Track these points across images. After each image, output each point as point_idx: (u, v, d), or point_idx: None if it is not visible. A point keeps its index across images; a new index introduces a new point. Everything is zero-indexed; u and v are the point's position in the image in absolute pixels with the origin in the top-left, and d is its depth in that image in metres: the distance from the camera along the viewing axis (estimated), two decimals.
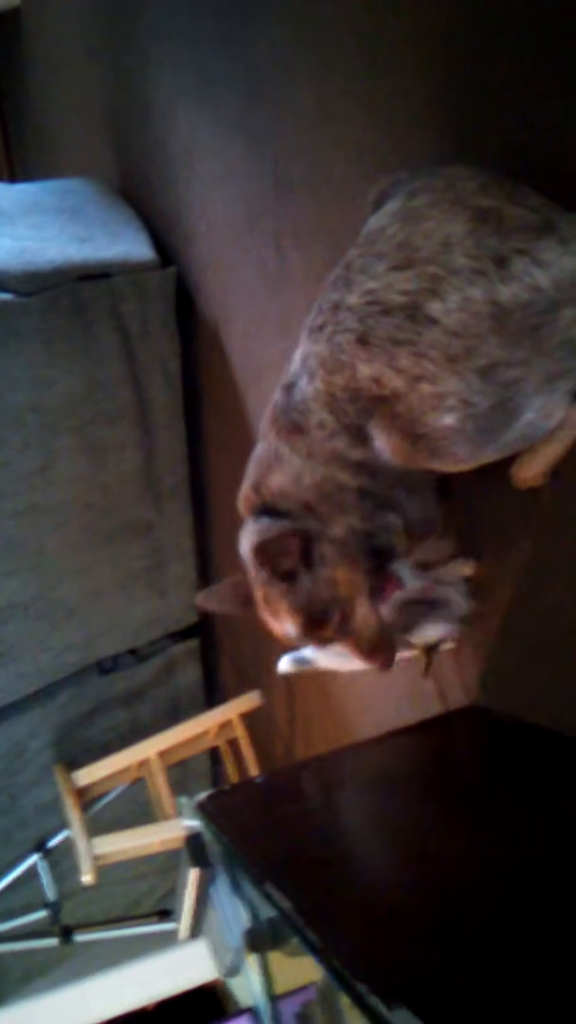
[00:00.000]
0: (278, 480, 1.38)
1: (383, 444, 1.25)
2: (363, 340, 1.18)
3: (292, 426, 1.33)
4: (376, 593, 1.44)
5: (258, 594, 1.41)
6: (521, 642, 1.50)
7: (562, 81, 1.19)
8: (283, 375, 1.36)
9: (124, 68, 3.06)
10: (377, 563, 1.44)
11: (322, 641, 1.43)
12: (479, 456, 1.24)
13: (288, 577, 1.37)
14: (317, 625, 1.38)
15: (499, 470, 1.38)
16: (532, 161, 1.25)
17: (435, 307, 1.11)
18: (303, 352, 1.30)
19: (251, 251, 2.25)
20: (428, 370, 1.14)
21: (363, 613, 1.40)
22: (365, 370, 1.19)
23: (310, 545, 1.37)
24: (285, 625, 1.40)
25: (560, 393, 1.16)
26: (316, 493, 1.37)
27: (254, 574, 1.40)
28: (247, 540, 1.42)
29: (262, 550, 1.36)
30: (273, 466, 1.39)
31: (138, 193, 3.06)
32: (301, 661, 1.62)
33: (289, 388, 1.33)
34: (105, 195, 3.06)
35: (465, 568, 1.57)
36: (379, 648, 1.42)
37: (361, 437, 1.28)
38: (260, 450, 1.41)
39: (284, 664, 1.65)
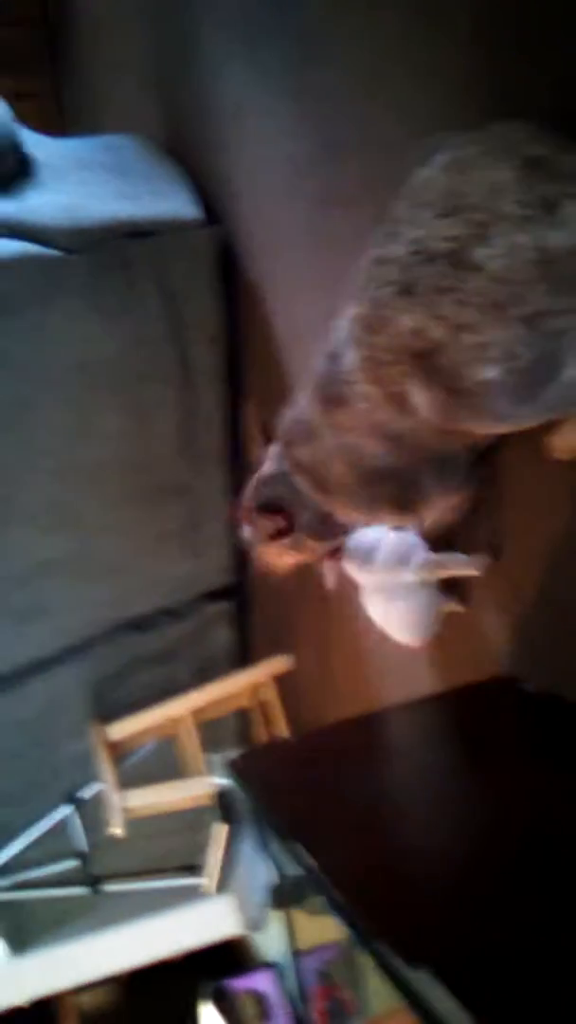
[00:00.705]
0: (305, 454, 1.46)
1: (422, 400, 1.23)
2: (406, 291, 1.16)
3: (336, 398, 1.33)
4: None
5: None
6: (553, 613, 1.49)
7: None
8: (328, 341, 1.35)
9: (172, 26, 3.03)
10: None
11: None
12: (518, 415, 1.22)
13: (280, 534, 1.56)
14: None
15: (534, 441, 1.37)
16: None
17: (481, 253, 1.08)
18: (347, 317, 1.28)
19: (298, 212, 2.23)
20: (472, 318, 1.11)
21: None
22: (407, 322, 1.17)
23: (292, 524, 1.54)
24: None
25: None
26: (336, 480, 1.45)
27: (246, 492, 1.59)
28: (267, 463, 1.56)
29: (253, 514, 1.54)
30: (307, 439, 1.41)
31: (185, 151, 3.04)
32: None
33: (333, 358, 1.32)
34: (152, 153, 3.04)
35: (471, 567, 1.65)
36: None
37: (403, 405, 1.27)
38: (301, 407, 1.42)
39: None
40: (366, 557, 1.73)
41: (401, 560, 1.70)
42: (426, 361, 1.18)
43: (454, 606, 1.76)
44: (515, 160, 1.08)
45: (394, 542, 1.72)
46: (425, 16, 1.58)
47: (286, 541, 1.56)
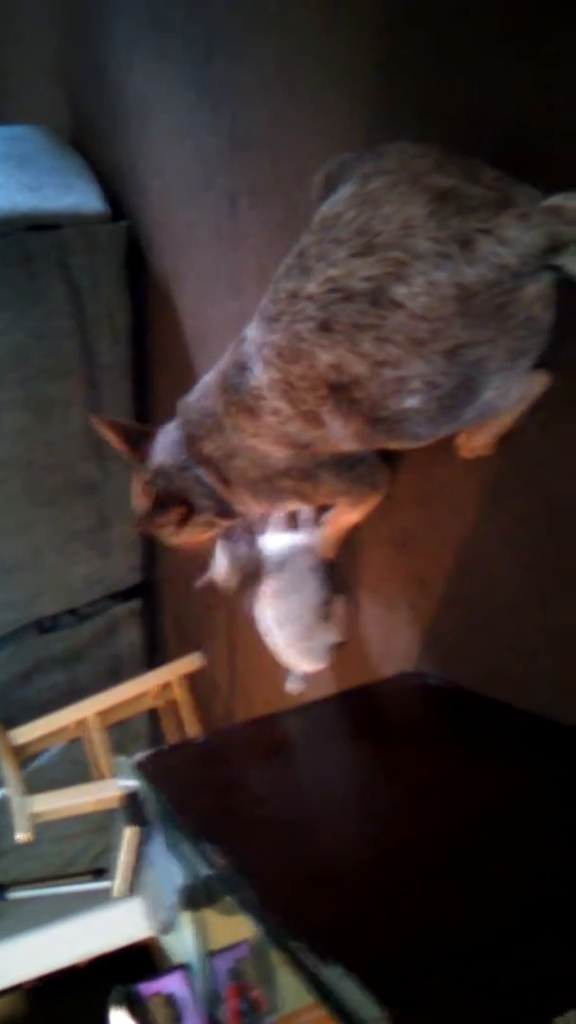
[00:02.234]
0: (209, 448, 1.45)
1: (340, 428, 1.25)
2: (325, 327, 1.17)
3: (244, 408, 1.33)
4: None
5: (136, 474, 1.61)
6: (461, 610, 1.52)
7: (525, 45, 1.18)
8: (236, 349, 1.35)
9: (78, 13, 2.98)
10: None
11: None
12: (437, 434, 1.24)
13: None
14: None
15: (445, 439, 1.39)
16: (489, 126, 1.25)
17: (400, 291, 1.10)
18: (258, 339, 1.29)
19: (205, 208, 2.22)
20: (392, 354, 1.13)
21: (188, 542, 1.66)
22: (325, 357, 1.18)
23: (190, 516, 1.56)
24: (137, 507, 1.63)
25: (519, 370, 1.16)
26: (238, 475, 1.46)
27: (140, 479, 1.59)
28: (163, 452, 1.55)
29: (153, 504, 1.55)
30: (212, 433, 1.41)
31: (90, 143, 2.99)
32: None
33: (242, 369, 1.32)
34: (56, 144, 2.99)
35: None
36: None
37: (316, 422, 1.28)
38: (208, 400, 1.42)
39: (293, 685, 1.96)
40: (275, 567, 1.82)
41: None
42: (344, 393, 1.19)
43: (336, 636, 1.88)
44: (425, 194, 1.09)
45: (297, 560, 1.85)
46: (334, 11, 1.58)
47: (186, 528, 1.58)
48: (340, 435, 1.27)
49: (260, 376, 1.29)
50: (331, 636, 1.84)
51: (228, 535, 1.86)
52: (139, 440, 1.59)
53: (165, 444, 1.53)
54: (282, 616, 1.84)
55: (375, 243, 1.11)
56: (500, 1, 1.22)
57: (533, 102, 1.19)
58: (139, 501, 1.60)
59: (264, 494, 1.47)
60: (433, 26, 1.35)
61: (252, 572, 1.84)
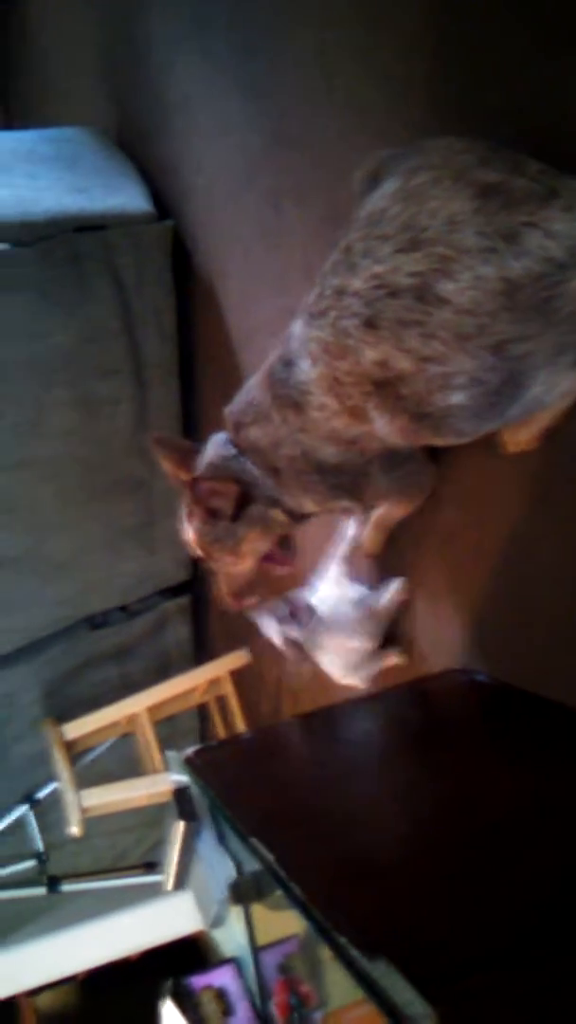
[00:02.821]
0: (257, 435, 1.43)
1: (385, 424, 1.25)
2: (370, 324, 1.17)
3: (290, 403, 1.34)
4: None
5: (186, 495, 1.55)
6: (508, 607, 1.51)
7: (564, 40, 1.17)
8: (282, 344, 1.35)
9: (122, 16, 3.00)
10: (289, 533, 1.59)
11: (204, 560, 1.60)
12: (481, 430, 1.24)
13: (212, 513, 1.51)
14: (206, 556, 1.57)
15: (489, 435, 1.38)
16: (531, 121, 1.24)
17: (446, 287, 1.10)
18: (303, 335, 1.29)
19: (249, 207, 2.22)
20: (437, 350, 1.13)
21: (244, 568, 1.58)
22: (371, 354, 1.18)
23: (246, 504, 1.49)
24: (187, 534, 1.57)
25: (563, 366, 1.15)
26: (288, 464, 1.43)
27: (192, 484, 1.52)
28: (212, 452, 1.52)
29: (204, 488, 1.47)
30: (259, 421, 1.41)
31: (135, 144, 3.01)
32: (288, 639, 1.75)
33: (288, 364, 1.33)
34: (102, 145, 3.01)
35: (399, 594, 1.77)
36: (234, 594, 1.64)
37: (362, 418, 1.28)
38: (254, 393, 1.42)
39: (269, 629, 1.78)
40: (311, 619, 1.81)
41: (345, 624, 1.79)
42: (389, 389, 1.19)
43: (395, 659, 1.83)
44: (470, 189, 1.08)
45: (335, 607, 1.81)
46: (373, 9, 1.58)
47: (222, 528, 1.52)
48: (386, 431, 1.27)
49: (307, 371, 1.29)
50: (380, 663, 1.85)
51: (277, 615, 1.82)
52: (186, 457, 1.57)
53: (213, 446, 1.53)
54: (331, 660, 1.84)
55: (421, 238, 1.11)
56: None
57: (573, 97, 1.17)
58: (188, 522, 1.57)
59: (314, 488, 1.46)
60: (476, 22, 1.35)
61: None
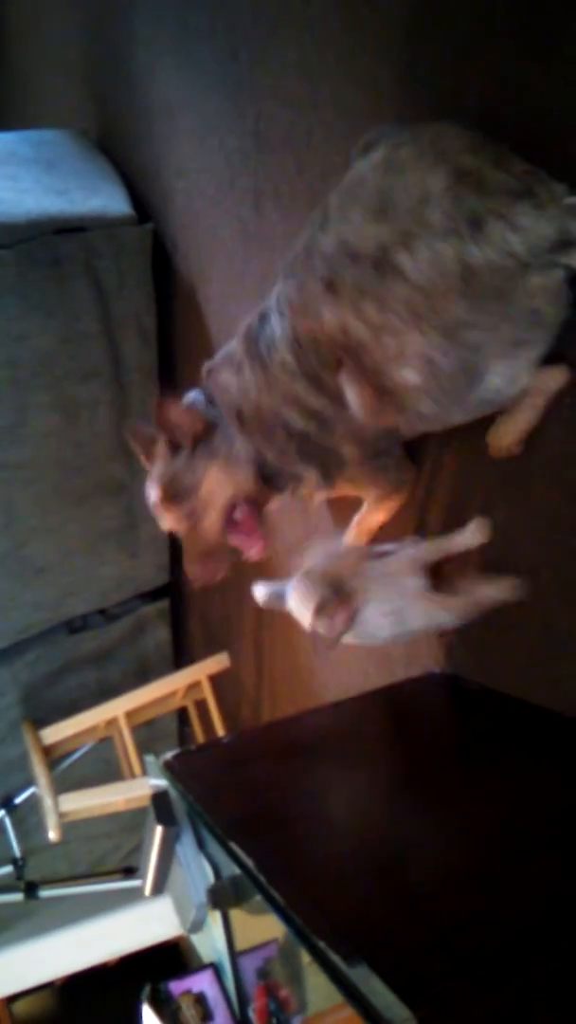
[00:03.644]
0: (227, 380, 1.44)
1: (353, 397, 1.25)
2: (331, 287, 1.18)
3: (258, 356, 1.35)
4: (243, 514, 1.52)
5: (154, 447, 1.54)
6: (489, 611, 1.51)
7: (543, 44, 1.18)
8: (264, 300, 1.37)
9: (104, 19, 3.00)
10: (257, 497, 1.52)
11: (170, 520, 1.54)
12: (446, 417, 1.24)
13: (173, 447, 1.49)
14: (169, 501, 1.51)
15: (474, 439, 1.38)
16: (510, 123, 1.24)
17: (403, 260, 1.10)
18: (278, 290, 1.31)
19: (230, 209, 2.22)
20: (391, 323, 1.14)
21: (209, 522, 1.51)
22: (331, 318, 1.19)
23: (208, 436, 1.46)
24: (149, 488, 1.54)
25: (523, 360, 1.16)
26: (254, 412, 1.42)
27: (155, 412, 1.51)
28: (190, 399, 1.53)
29: (166, 412, 1.47)
30: (232, 367, 1.43)
31: (116, 146, 3.01)
32: (277, 596, 1.60)
33: (263, 319, 1.35)
34: (83, 148, 3.01)
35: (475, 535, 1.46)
36: (201, 559, 1.55)
37: (319, 386, 1.28)
38: (232, 345, 1.45)
39: (259, 592, 1.64)
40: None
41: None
42: (355, 357, 1.20)
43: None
44: (447, 168, 1.09)
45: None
46: (354, 11, 1.58)
47: (181, 461, 1.48)
48: (355, 406, 1.27)
49: (275, 326, 1.31)
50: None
51: (318, 600, 1.44)
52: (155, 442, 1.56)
53: (184, 399, 1.54)
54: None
55: (390, 209, 1.12)
56: (521, 2, 1.21)
57: (553, 101, 1.18)
58: (151, 468, 1.55)
59: (278, 443, 1.43)
60: (455, 26, 1.35)
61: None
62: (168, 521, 1.55)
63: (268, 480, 1.50)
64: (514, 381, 1.18)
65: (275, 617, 2.40)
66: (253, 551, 1.55)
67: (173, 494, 1.51)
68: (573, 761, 1.23)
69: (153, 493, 1.54)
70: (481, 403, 1.21)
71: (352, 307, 1.16)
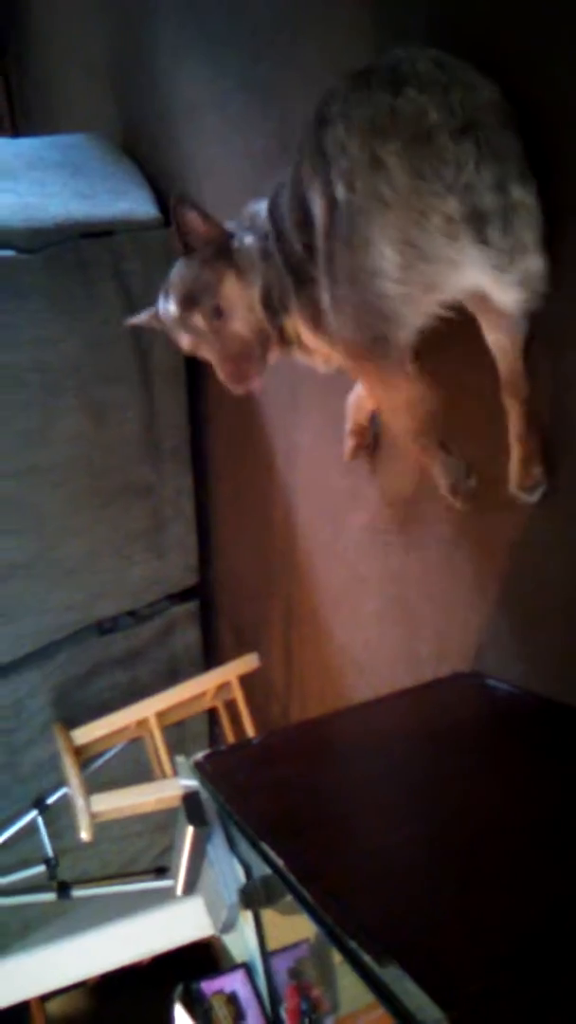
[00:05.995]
0: (257, 208, 1.51)
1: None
2: (302, 156, 1.34)
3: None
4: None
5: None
6: (517, 610, 1.50)
7: None
8: None
9: (128, 23, 3.01)
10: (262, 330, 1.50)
11: (194, 329, 1.50)
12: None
13: (188, 250, 1.49)
14: (190, 303, 1.48)
15: (500, 444, 1.38)
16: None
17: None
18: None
19: None
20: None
21: (236, 321, 1.48)
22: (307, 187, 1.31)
23: (223, 242, 1.48)
24: (164, 299, 1.53)
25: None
26: (274, 234, 1.44)
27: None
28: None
29: (183, 213, 1.47)
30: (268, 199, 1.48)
31: (141, 150, 3.02)
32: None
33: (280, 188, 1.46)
34: (108, 151, 3.03)
35: None
36: (234, 360, 1.50)
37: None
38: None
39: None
40: None
41: None
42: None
43: None
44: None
45: None
46: (377, 10, 1.58)
47: (196, 263, 1.48)
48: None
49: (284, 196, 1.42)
50: None
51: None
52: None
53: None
54: None
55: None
56: None
57: None
58: (168, 290, 1.54)
59: (279, 269, 1.44)
60: (482, 19, 1.35)
61: None
62: (190, 331, 1.52)
63: (269, 310, 1.49)
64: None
65: (304, 617, 2.40)
66: (252, 383, 1.53)
67: (192, 296, 1.49)
68: None
69: (172, 301, 1.51)
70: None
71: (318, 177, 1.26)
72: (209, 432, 2.88)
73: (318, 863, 1.06)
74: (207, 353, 1.53)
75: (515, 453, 1.37)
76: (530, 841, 1.05)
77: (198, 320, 1.49)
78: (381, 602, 1.96)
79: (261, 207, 1.49)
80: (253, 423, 2.48)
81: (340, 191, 1.22)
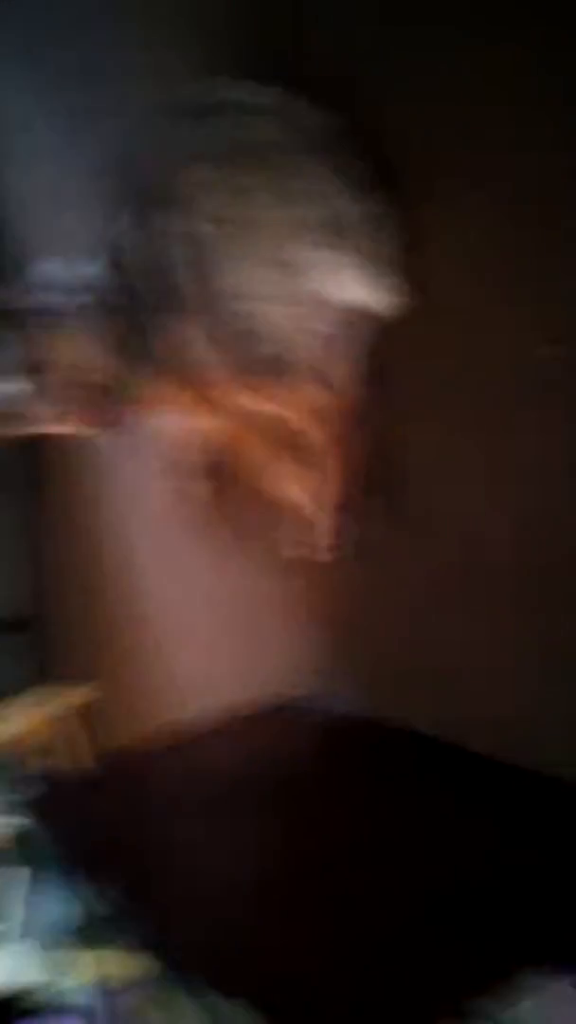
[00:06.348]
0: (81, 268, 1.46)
1: None
2: None
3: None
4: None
5: None
6: (347, 634, 1.53)
7: None
8: None
9: None
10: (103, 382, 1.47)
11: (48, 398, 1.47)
12: None
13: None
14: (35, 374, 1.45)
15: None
16: None
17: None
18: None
19: (95, 227, 2.20)
20: None
21: (86, 377, 1.47)
22: None
23: (42, 309, 1.44)
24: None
25: None
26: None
27: None
28: None
29: None
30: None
31: None
32: None
33: None
34: None
35: None
36: (93, 410, 1.49)
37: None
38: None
39: None
40: None
41: None
42: None
43: None
44: None
45: None
46: (202, 48, 1.60)
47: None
48: None
49: None
50: None
51: None
52: None
53: None
54: None
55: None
56: None
57: None
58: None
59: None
60: (302, 59, 1.38)
61: None
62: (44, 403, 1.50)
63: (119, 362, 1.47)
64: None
65: (142, 649, 2.38)
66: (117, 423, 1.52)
67: (36, 366, 1.46)
68: (438, 781, 1.26)
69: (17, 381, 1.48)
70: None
71: None
72: (39, 460, 2.81)
73: (158, 897, 1.05)
74: (63, 420, 1.50)
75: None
76: (371, 866, 1.07)
77: (48, 390, 1.47)
78: (219, 625, 1.96)
79: (87, 266, 1.46)
80: (84, 449, 2.44)
81: (205, 228, 1.23)
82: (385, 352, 1.34)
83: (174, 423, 1.64)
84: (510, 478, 1.27)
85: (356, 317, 1.32)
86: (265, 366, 1.32)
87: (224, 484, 1.85)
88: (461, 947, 0.89)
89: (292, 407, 1.42)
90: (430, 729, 1.37)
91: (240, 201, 1.22)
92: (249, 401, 1.51)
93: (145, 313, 1.41)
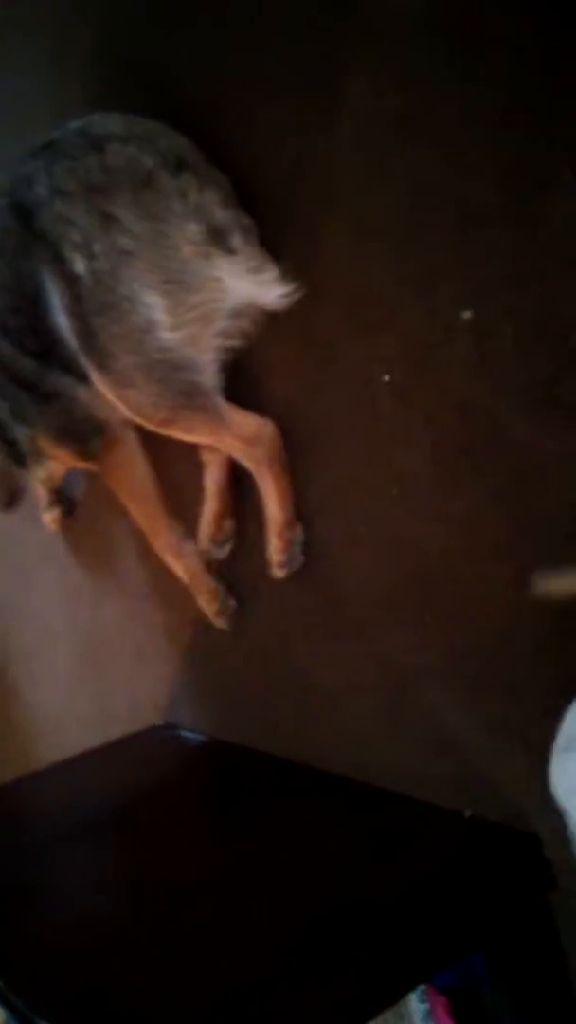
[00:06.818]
0: None
1: None
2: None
3: None
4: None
5: None
6: (206, 660, 1.53)
7: None
8: None
9: None
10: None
11: None
12: None
13: None
14: None
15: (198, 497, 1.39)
16: None
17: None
18: None
19: None
20: None
21: None
22: None
23: None
24: None
25: None
26: None
27: None
28: None
29: None
30: None
31: None
32: None
33: None
34: None
35: None
36: None
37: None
38: None
39: None
40: None
41: None
42: None
43: None
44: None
45: None
46: (58, 75, 1.59)
47: None
48: None
49: None
50: None
51: None
52: None
53: None
54: None
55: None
56: None
57: None
58: None
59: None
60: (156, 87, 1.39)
61: None
62: None
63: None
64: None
65: None
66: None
67: None
68: (299, 804, 1.26)
69: None
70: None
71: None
72: None
73: (14, 945, 1.01)
74: None
75: (208, 508, 1.40)
76: (231, 891, 1.05)
77: None
78: (73, 659, 1.93)
79: None
80: None
81: (79, 265, 1.20)
82: (280, 345, 1.30)
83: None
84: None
85: (253, 317, 1.28)
86: (184, 396, 1.26)
87: (75, 514, 1.82)
88: (325, 976, 0.88)
89: (215, 436, 1.33)
90: (287, 752, 1.37)
91: (111, 231, 1.19)
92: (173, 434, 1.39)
93: (20, 383, 1.34)
